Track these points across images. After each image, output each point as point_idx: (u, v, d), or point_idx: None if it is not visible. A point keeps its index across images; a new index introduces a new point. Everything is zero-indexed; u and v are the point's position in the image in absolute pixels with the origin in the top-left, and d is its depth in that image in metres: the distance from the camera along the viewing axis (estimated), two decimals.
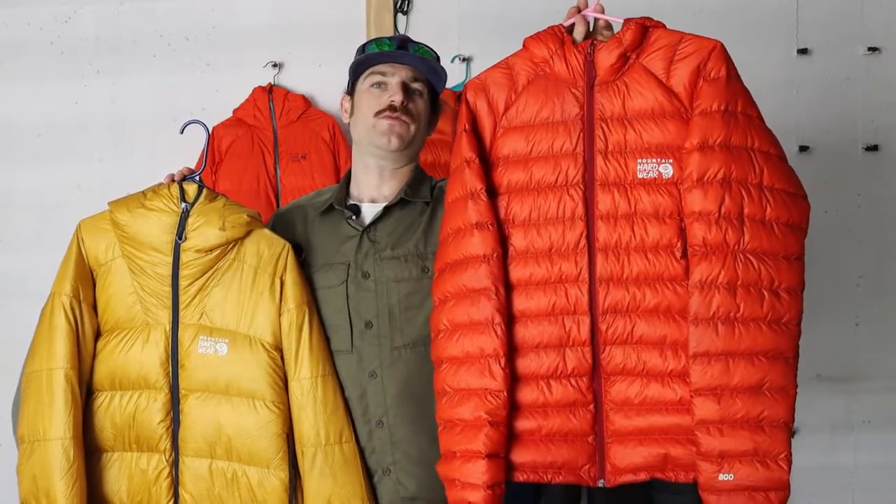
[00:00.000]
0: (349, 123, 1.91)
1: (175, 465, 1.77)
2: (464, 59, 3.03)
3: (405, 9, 3.05)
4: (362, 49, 1.87)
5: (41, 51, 3.11)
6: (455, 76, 3.01)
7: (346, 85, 1.93)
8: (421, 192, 1.86)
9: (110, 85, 3.11)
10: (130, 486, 1.79)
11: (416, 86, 1.84)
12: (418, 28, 3.05)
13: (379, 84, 1.83)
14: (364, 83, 1.86)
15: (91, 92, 3.11)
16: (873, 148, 2.98)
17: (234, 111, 3.06)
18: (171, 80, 3.09)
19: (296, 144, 3.00)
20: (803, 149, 2.98)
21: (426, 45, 1.87)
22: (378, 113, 1.81)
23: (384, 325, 1.79)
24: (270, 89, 3.04)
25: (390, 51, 1.82)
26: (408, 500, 1.78)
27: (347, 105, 1.92)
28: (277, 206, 2.97)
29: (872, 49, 2.96)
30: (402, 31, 3.04)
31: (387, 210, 1.83)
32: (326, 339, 1.80)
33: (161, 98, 3.07)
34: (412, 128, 1.83)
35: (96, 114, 3.10)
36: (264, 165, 3.00)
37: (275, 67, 3.07)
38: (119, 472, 1.80)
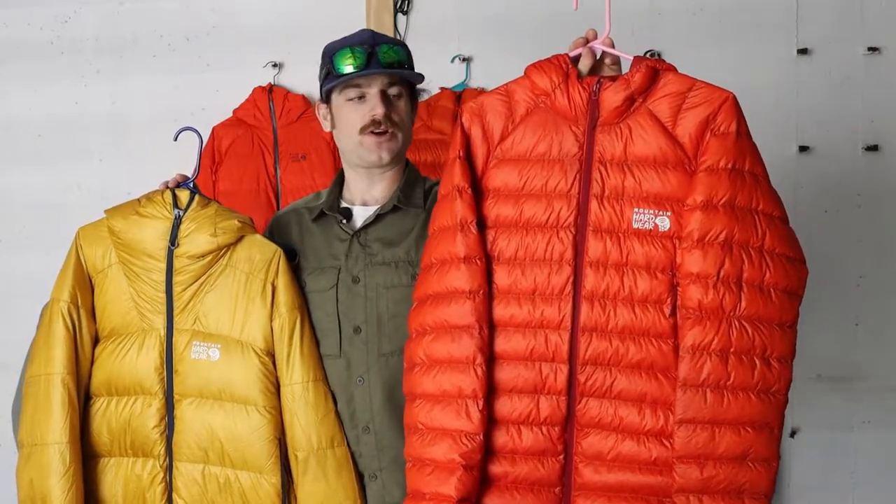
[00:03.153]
0: (332, 133, 1.89)
1: (169, 470, 1.78)
2: (464, 59, 3.03)
3: (405, 9, 3.05)
4: (330, 57, 1.80)
5: (41, 51, 3.11)
6: (455, 76, 3.02)
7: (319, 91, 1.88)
8: (414, 198, 1.84)
9: (110, 85, 3.11)
10: (126, 491, 1.80)
11: (393, 90, 1.80)
12: (418, 28, 3.05)
13: (358, 96, 1.79)
14: (341, 97, 1.82)
15: (91, 92, 3.11)
16: (873, 148, 2.97)
17: (234, 111, 3.06)
18: (171, 80, 3.09)
19: (296, 144, 3.00)
20: (803, 149, 2.98)
21: (392, 42, 1.82)
22: (363, 129, 1.79)
23: (372, 330, 1.78)
24: (270, 89, 3.04)
25: (364, 69, 1.76)
26: None
27: (325, 113, 1.88)
28: (277, 206, 2.97)
29: (872, 49, 2.96)
30: (402, 31, 3.04)
31: (379, 215, 1.82)
32: (317, 344, 1.80)
33: (161, 98, 3.08)
34: (400, 137, 1.81)
35: (96, 114, 3.11)
36: (264, 165, 3.01)
37: (275, 67, 3.07)
38: (115, 478, 1.81)
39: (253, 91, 3.05)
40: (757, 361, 1.44)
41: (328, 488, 1.75)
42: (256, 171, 3.00)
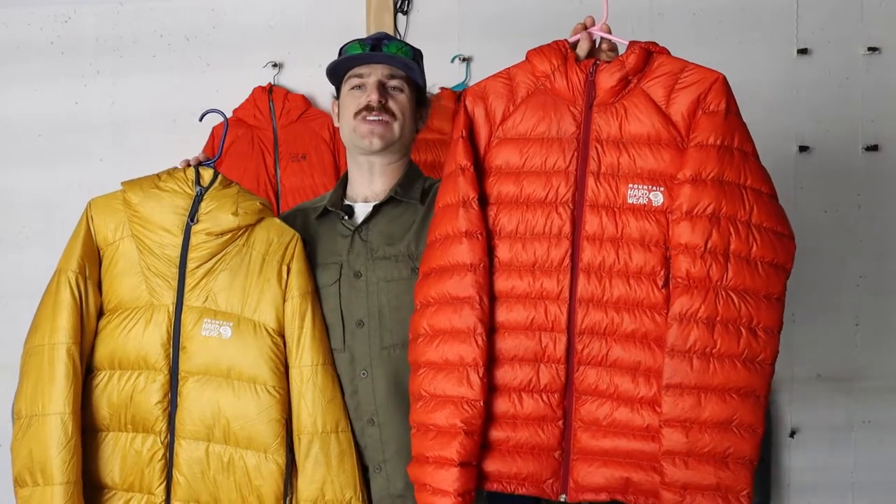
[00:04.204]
0: (332, 133, 1.95)
1: (170, 447, 1.77)
2: (464, 59, 3.03)
3: (405, 9, 3.05)
4: (340, 53, 1.91)
5: (41, 51, 3.11)
6: (455, 76, 3.02)
7: (333, 90, 1.97)
8: (412, 192, 1.88)
9: (110, 85, 3.11)
10: (123, 466, 1.78)
11: (394, 83, 1.87)
12: (418, 28, 3.05)
13: (358, 86, 1.87)
14: (345, 87, 1.90)
15: (91, 92, 3.11)
16: (873, 148, 2.98)
17: (234, 111, 3.06)
18: (171, 80, 3.09)
19: (296, 144, 3.00)
20: (803, 149, 2.98)
21: (402, 42, 1.91)
22: (357, 114, 1.84)
23: (374, 324, 1.81)
24: (270, 89, 3.04)
25: (362, 53, 1.85)
26: (396, 496, 1.80)
27: (335, 110, 1.96)
28: (277, 205, 2.97)
29: (872, 49, 2.96)
30: (402, 31, 3.04)
31: (377, 209, 1.86)
32: (327, 330, 1.82)
33: (161, 98, 3.08)
34: (394, 126, 1.86)
35: (96, 114, 3.10)
36: (264, 165, 3.00)
37: (275, 67, 3.07)
38: (113, 452, 1.79)
39: (253, 91, 3.05)
40: (743, 331, 1.50)
41: (329, 474, 1.76)
42: (256, 171, 3.00)
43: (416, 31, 3.04)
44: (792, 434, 3.01)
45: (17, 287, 2.98)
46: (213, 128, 3.01)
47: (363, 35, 2.96)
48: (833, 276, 2.99)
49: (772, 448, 2.98)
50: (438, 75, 2.99)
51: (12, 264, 3.07)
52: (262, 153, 3.01)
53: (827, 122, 2.98)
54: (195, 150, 2.74)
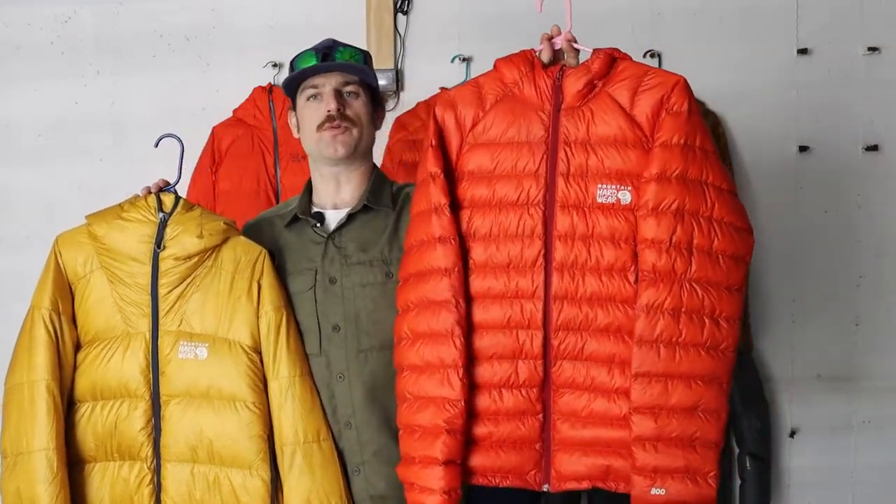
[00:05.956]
0: (300, 139, 1.96)
1: (157, 471, 1.79)
2: (464, 59, 3.03)
3: (405, 9, 3.05)
4: (292, 62, 1.92)
5: (41, 51, 3.11)
6: (455, 76, 3.01)
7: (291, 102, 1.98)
8: (383, 199, 1.91)
9: (110, 85, 3.11)
10: (113, 495, 1.81)
11: (349, 89, 1.90)
12: (418, 28, 3.05)
13: (314, 96, 1.89)
14: (301, 98, 1.92)
15: (91, 92, 3.10)
16: (873, 148, 2.97)
17: (234, 111, 3.05)
18: (171, 80, 3.09)
19: (296, 144, 2.94)
20: (803, 149, 2.97)
21: (351, 47, 1.93)
22: (319, 126, 1.87)
23: (350, 328, 1.83)
24: (270, 89, 3.03)
25: (315, 64, 1.87)
26: (377, 498, 1.83)
27: (294, 121, 1.97)
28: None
29: (872, 49, 2.96)
30: (401, 31, 3.04)
31: (350, 217, 1.88)
32: (302, 341, 1.84)
33: (161, 98, 3.07)
34: (354, 131, 1.89)
35: (96, 114, 3.10)
36: (264, 165, 3.00)
37: (275, 67, 3.06)
38: (101, 482, 1.82)
39: (253, 91, 3.04)
40: (706, 320, 1.57)
41: (314, 482, 1.77)
42: (256, 171, 2.99)
43: (416, 31, 3.04)
44: (792, 434, 3.01)
45: (17, 287, 2.97)
46: (214, 128, 3.01)
47: (362, 35, 2.97)
48: (833, 276, 2.98)
49: (772, 448, 2.98)
50: (438, 75, 2.99)
51: (12, 264, 3.06)
52: (262, 153, 3.01)
53: (827, 122, 2.97)
54: (195, 150, 2.74)
